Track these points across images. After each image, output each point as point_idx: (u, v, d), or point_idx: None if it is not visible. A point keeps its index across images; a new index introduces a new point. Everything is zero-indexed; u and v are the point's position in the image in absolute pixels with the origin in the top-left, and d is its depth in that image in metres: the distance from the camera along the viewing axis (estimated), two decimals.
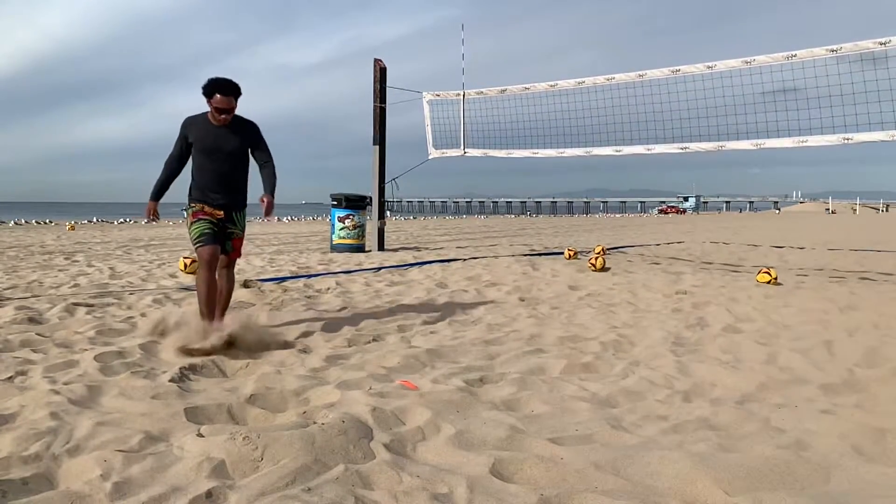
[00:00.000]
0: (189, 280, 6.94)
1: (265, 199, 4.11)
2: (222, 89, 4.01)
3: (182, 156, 4.20)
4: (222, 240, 4.19)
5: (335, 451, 2.31)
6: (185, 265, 7.56)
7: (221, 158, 4.14)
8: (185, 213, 4.32)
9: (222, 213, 4.18)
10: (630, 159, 9.67)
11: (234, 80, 4.06)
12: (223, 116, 4.07)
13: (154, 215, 4.26)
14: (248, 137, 4.22)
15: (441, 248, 12.56)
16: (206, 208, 4.15)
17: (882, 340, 4.25)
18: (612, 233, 22.10)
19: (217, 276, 4.18)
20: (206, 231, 4.09)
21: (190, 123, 4.17)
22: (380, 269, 8.41)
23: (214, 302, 4.14)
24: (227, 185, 4.19)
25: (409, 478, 2.13)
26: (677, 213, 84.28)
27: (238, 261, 4.47)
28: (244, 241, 4.44)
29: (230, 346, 3.84)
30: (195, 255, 4.31)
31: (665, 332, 4.61)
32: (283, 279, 7.17)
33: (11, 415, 2.67)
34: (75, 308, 5.15)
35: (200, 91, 4.06)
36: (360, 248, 11.17)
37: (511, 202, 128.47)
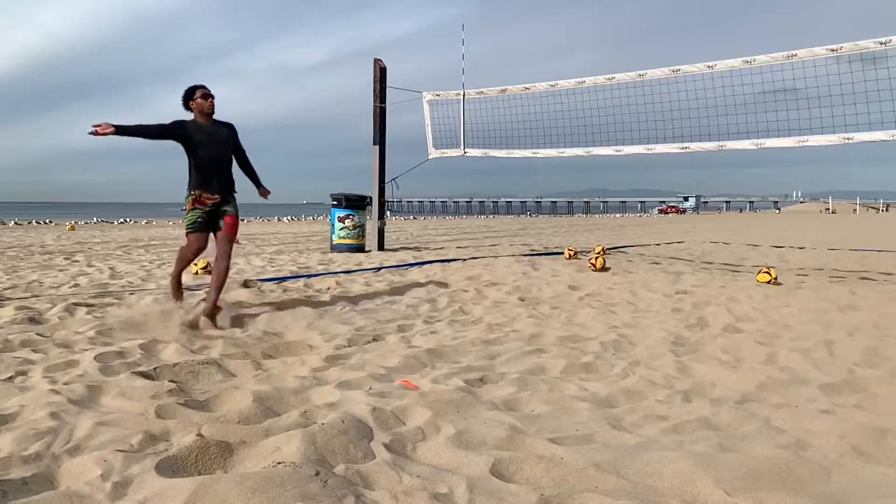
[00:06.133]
0: (187, 278, 6.93)
1: (267, 191, 5.27)
2: (204, 90, 4.73)
3: (167, 133, 4.61)
4: (213, 227, 4.80)
5: (335, 451, 2.31)
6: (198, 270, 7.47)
7: (217, 148, 4.79)
8: (185, 201, 4.79)
9: (219, 196, 4.78)
10: (630, 159, 9.67)
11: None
12: (211, 109, 4.74)
13: (102, 130, 4.27)
14: (232, 133, 4.94)
15: (441, 248, 12.55)
16: (204, 195, 4.74)
17: (882, 340, 4.25)
18: (612, 233, 22.10)
19: (215, 258, 4.78)
20: (199, 220, 4.75)
21: (186, 124, 4.72)
22: (380, 268, 8.41)
23: (181, 276, 5.07)
24: (221, 171, 4.82)
25: (409, 478, 2.13)
26: (677, 212, 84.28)
27: (238, 261, 4.61)
28: (238, 219, 4.98)
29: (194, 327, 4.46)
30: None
31: (665, 332, 4.61)
32: (283, 279, 7.17)
33: (11, 415, 2.67)
34: (75, 308, 5.15)
35: (182, 101, 4.72)
36: (360, 248, 11.17)
37: (511, 202, 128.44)
